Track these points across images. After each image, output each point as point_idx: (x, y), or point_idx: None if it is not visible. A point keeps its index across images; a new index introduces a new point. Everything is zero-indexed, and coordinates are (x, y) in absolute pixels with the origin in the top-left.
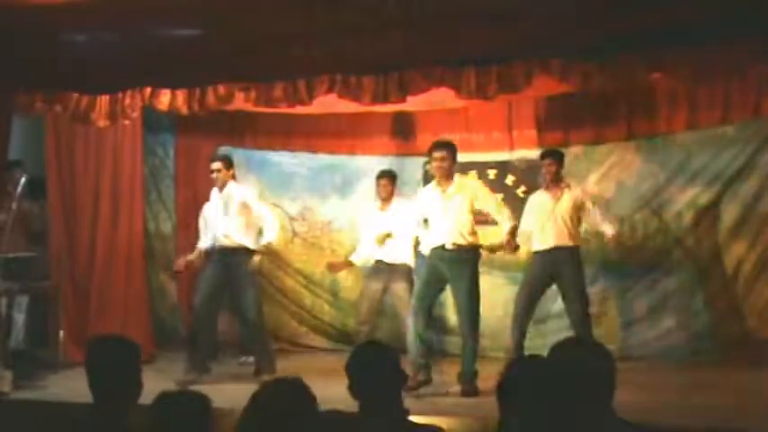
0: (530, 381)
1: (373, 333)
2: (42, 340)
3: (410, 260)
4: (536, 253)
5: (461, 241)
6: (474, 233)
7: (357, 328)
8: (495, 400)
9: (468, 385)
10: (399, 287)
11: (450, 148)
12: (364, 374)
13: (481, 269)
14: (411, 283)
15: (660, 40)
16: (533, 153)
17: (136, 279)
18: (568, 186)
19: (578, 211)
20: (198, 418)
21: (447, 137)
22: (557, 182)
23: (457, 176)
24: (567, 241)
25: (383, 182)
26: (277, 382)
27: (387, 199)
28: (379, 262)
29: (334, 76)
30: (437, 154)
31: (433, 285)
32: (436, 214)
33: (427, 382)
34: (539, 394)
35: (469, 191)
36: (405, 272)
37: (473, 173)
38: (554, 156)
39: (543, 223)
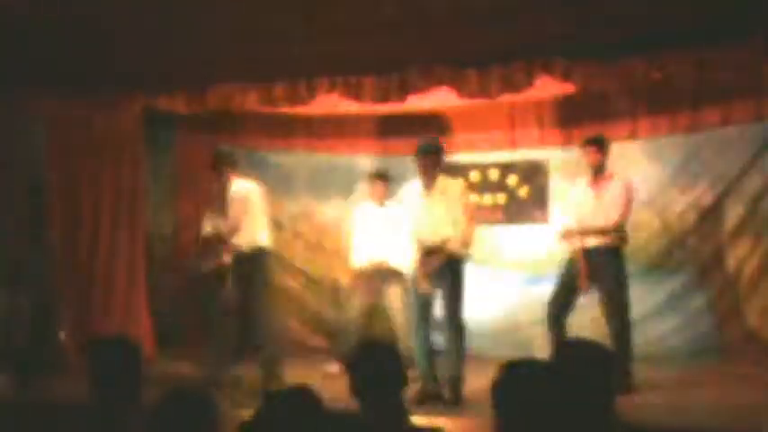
0: (524, 382)
1: (361, 334)
2: (43, 341)
3: (403, 263)
4: (572, 251)
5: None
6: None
7: (346, 327)
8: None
9: (452, 393)
10: (393, 290)
11: (435, 152)
12: (365, 374)
13: (482, 269)
14: (405, 286)
15: (660, 40)
16: (536, 153)
17: (137, 280)
18: (611, 177)
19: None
20: (203, 418)
21: (448, 136)
22: (601, 173)
23: (441, 178)
24: (608, 240)
25: (378, 183)
26: (286, 391)
27: (381, 200)
28: (375, 264)
29: (334, 76)
30: (422, 158)
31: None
32: (419, 216)
33: (437, 396)
34: (534, 396)
35: (450, 194)
36: (399, 275)
37: (475, 172)
38: (597, 143)
39: (584, 220)
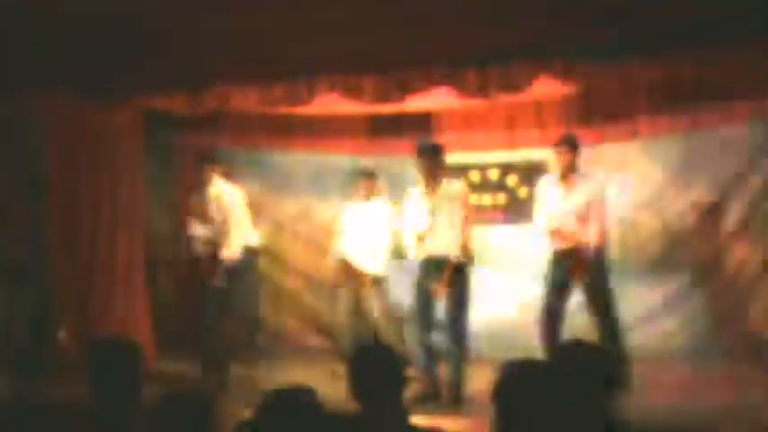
0: (524, 383)
1: (352, 334)
2: (43, 341)
3: (380, 265)
4: (554, 252)
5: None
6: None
7: (340, 329)
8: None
9: (452, 393)
10: (370, 294)
11: (436, 153)
12: (365, 375)
13: (481, 269)
14: (381, 287)
15: (660, 39)
16: (536, 153)
17: (137, 280)
18: (584, 177)
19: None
20: (201, 418)
21: (448, 136)
22: (572, 173)
23: (444, 180)
24: (587, 240)
25: (362, 181)
26: (286, 391)
27: (367, 197)
28: (348, 263)
29: (334, 76)
30: (423, 160)
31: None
32: (421, 219)
33: (436, 395)
34: (533, 396)
35: (453, 198)
36: (375, 279)
37: (475, 172)
38: (569, 143)
39: (557, 219)
